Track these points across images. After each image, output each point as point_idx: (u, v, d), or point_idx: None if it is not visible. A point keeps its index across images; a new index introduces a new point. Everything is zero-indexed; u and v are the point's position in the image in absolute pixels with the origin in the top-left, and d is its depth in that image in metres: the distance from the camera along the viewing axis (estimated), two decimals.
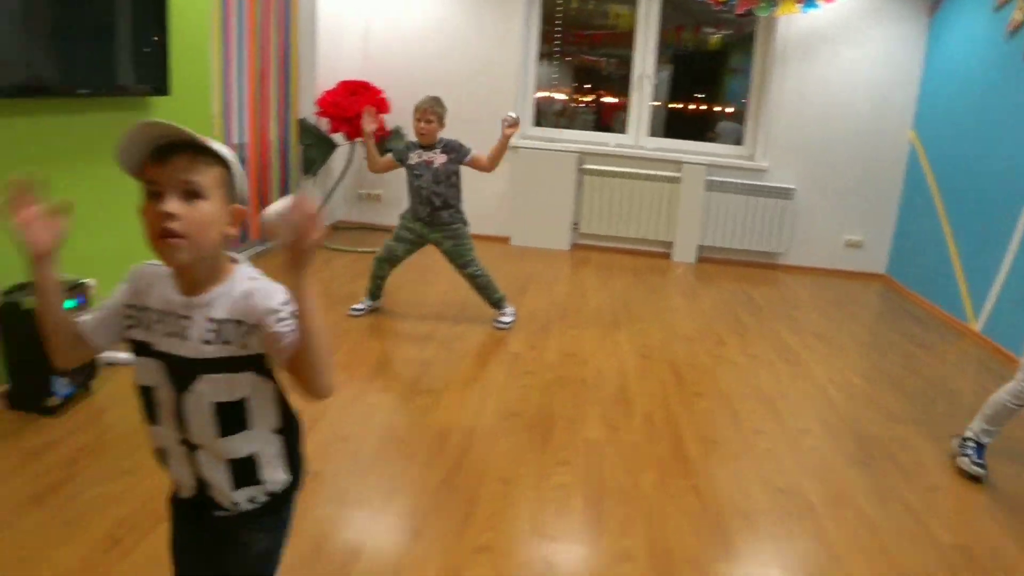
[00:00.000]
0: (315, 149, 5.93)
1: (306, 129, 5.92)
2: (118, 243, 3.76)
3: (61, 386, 3.03)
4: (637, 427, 3.37)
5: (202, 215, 1.22)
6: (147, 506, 2.50)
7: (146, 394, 1.33)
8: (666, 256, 6.63)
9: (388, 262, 4.43)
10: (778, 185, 6.38)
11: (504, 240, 6.70)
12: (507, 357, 4.05)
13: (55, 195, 3.42)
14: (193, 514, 1.42)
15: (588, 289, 5.55)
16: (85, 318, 1.34)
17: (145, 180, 1.24)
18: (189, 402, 1.29)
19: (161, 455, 1.40)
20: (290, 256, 1.17)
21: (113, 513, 2.45)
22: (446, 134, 4.31)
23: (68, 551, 2.26)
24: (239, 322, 1.27)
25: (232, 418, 1.31)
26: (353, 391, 3.53)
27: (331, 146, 6.03)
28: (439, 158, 4.23)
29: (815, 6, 5.84)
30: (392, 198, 6.58)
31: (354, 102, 5.52)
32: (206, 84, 4.41)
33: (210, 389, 1.28)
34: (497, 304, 4.49)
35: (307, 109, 5.95)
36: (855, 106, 6.28)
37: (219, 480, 1.35)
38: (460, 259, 4.37)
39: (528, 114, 6.75)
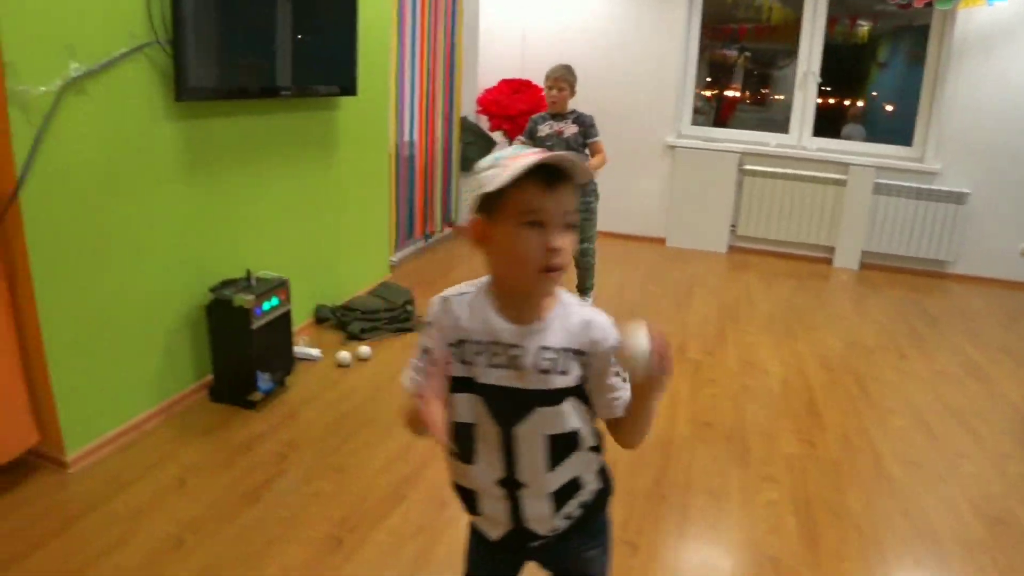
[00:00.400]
0: (474, 147, 5.95)
1: (467, 127, 5.95)
2: (312, 240, 3.86)
3: (263, 381, 3.10)
4: (833, 443, 3.19)
5: (572, 246, 1.19)
6: (363, 505, 2.52)
7: (465, 431, 1.28)
8: (827, 261, 6.33)
9: None
10: (951, 189, 5.99)
11: (660, 241, 6.56)
12: (688, 364, 3.92)
13: (256, 190, 3.50)
14: (507, 553, 1.38)
15: (754, 294, 5.35)
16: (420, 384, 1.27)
17: (525, 208, 1.15)
18: (521, 437, 1.24)
19: (468, 495, 1.36)
20: (654, 380, 1.15)
21: (331, 512, 2.48)
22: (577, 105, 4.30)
23: (292, 551, 2.28)
24: (579, 352, 1.23)
25: (563, 449, 1.26)
26: None
27: (490, 144, 6.05)
28: (570, 128, 4.16)
29: (994, 1, 5.47)
30: None
31: (516, 100, 5.51)
32: (386, 84, 4.47)
33: (544, 421, 1.23)
34: (586, 290, 4.48)
35: (468, 107, 5.98)
36: None
37: (541, 512, 1.30)
38: (582, 233, 4.30)
39: (687, 111, 6.59)
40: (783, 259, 6.39)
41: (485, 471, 1.29)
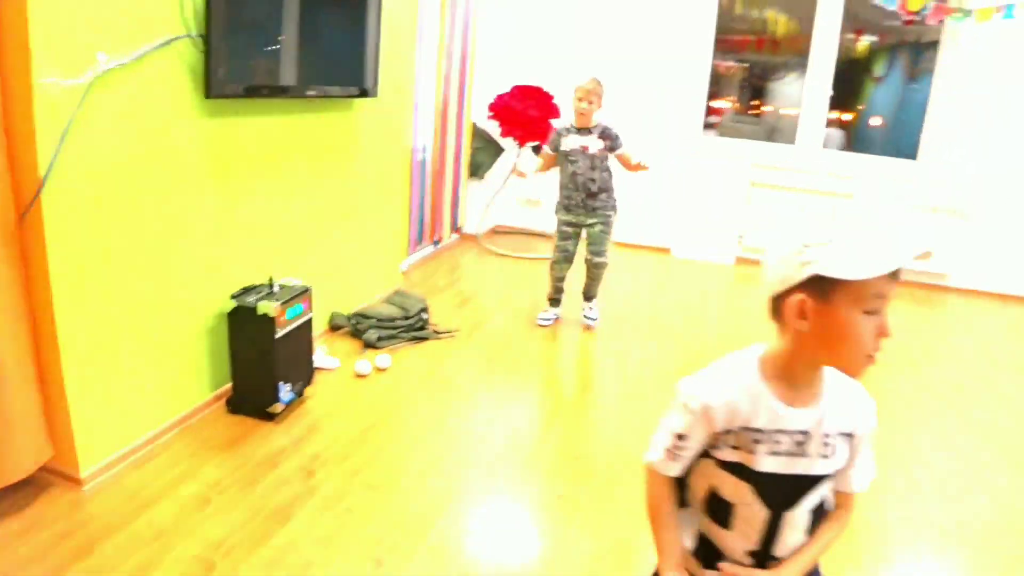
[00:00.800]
0: (483, 152, 5.85)
1: (476, 133, 5.85)
2: (329, 245, 3.74)
3: (284, 393, 2.97)
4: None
5: None
6: (403, 526, 2.40)
7: (725, 506, 1.25)
8: None
9: (566, 261, 4.31)
10: (954, 203, 5.98)
11: (665, 251, 6.47)
12: None
13: (277, 192, 3.33)
14: None
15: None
16: (667, 467, 1.30)
17: (873, 292, 1.07)
18: (790, 518, 1.23)
19: (709, 550, 1.31)
20: None
21: (367, 532, 2.35)
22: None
23: (330, 574, 2.15)
24: (850, 435, 1.22)
25: (818, 518, 1.27)
26: (573, 407, 3.39)
27: (499, 150, 5.94)
28: (595, 143, 4.07)
29: (1011, 16, 5.46)
30: (552, 204, 6.45)
31: (528, 106, 5.41)
32: (407, 89, 4.35)
33: (813, 500, 1.23)
34: (591, 298, 4.42)
35: (479, 113, 5.89)
36: None
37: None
38: (599, 244, 4.22)
39: (699, 120, 6.52)
40: None
41: (739, 541, 1.26)
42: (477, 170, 5.93)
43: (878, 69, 7.47)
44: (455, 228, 5.93)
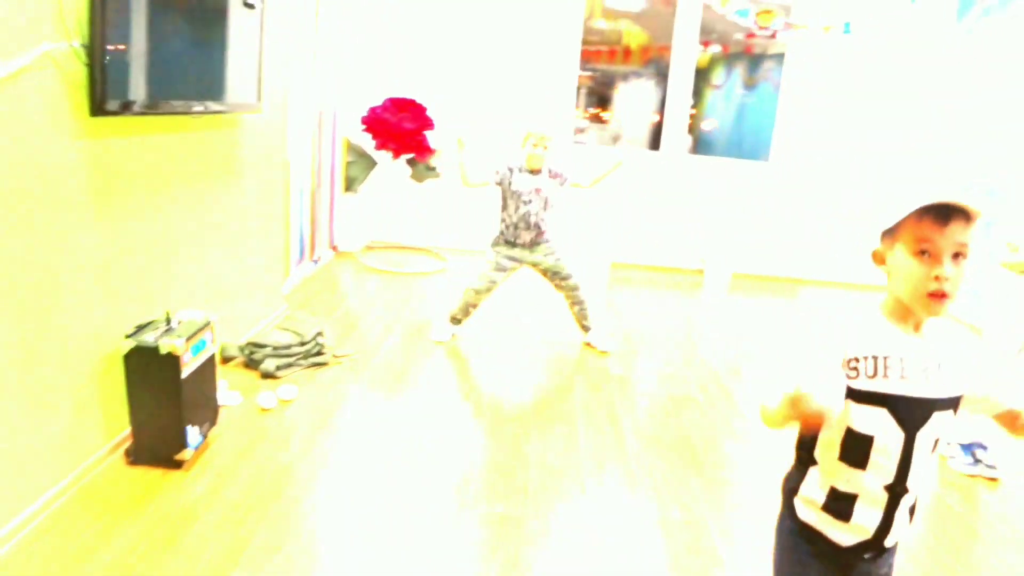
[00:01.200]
0: (357, 166, 5.64)
1: (350, 147, 5.63)
2: (214, 271, 3.47)
3: (192, 437, 2.70)
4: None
5: (962, 274, 1.31)
6: (354, 568, 2.23)
7: (861, 441, 1.37)
8: (701, 272, 6.52)
9: (486, 292, 4.21)
10: (800, 201, 6.40)
11: None
12: (614, 382, 3.85)
13: (162, 218, 3.03)
14: (842, 559, 1.45)
15: (650, 307, 5.41)
16: (815, 397, 1.26)
17: (917, 236, 1.31)
18: (920, 441, 1.36)
19: (843, 501, 1.41)
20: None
21: None
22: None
23: None
24: (962, 365, 1.38)
25: (934, 453, 1.40)
26: (491, 422, 3.28)
27: (373, 163, 5.74)
28: (547, 184, 4.12)
29: (848, 31, 5.95)
30: (428, 219, 6.36)
31: (402, 119, 5.26)
32: (283, 103, 4.10)
33: (940, 425, 1.37)
34: (589, 328, 4.34)
35: (352, 127, 5.67)
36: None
37: (902, 520, 1.41)
38: (564, 271, 4.21)
39: (569, 128, 6.60)
40: (661, 271, 6.52)
41: (875, 478, 1.38)
42: (351, 184, 5.70)
43: (716, 77, 7.89)
44: (331, 245, 5.67)
